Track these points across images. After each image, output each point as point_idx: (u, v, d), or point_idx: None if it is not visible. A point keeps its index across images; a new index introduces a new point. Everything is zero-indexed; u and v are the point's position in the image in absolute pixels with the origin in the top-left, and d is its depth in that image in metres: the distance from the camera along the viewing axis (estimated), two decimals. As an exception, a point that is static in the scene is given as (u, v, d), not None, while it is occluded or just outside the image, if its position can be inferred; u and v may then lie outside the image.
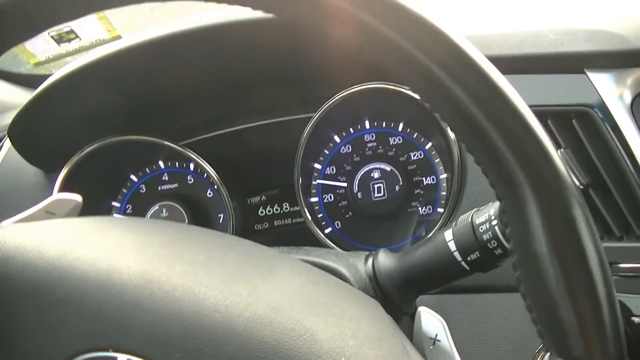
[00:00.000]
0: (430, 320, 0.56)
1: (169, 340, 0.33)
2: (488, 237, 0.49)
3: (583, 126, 0.73)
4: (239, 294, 0.36)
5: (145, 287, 0.35)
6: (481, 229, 0.50)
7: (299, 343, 0.34)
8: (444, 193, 0.90)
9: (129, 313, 0.34)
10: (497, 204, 0.50)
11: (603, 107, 0.71)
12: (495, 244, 0.49)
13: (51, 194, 0.86)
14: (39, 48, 1.22)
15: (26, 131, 0.86)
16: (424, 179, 0.92)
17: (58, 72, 0.81)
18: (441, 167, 0.91)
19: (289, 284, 0.40)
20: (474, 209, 0.53)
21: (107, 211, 0.96)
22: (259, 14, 0.39)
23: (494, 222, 0.49)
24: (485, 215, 0.50)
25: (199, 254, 0.39)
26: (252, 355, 0.33)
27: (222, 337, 0.33)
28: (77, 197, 0.52)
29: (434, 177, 0.91)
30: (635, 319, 0.71)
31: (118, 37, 1.21)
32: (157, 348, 0.33)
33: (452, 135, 0.82)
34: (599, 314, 0.33)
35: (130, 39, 0.80)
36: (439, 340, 0.55)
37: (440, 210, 0.89)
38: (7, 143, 0.95)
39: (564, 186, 0.33)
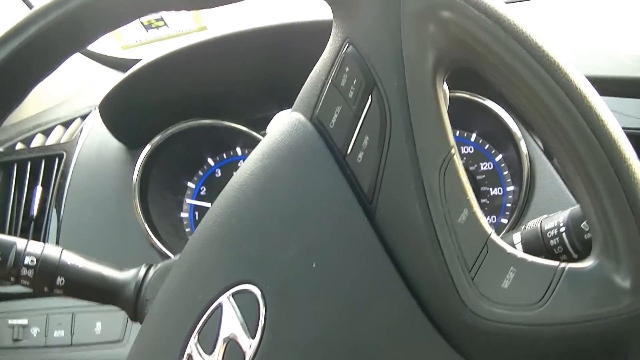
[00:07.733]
0: None
1: None
2: (555, 243, 0.51)
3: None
4: None
5: None
6: (549, 234, 0.52)
7: None
8: (509, 205, 0.91)
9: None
10: (566, 212, 0.52)
11: None
12: (562, 250, 0.51)
13: (133, 169, 0.91)
14: (128, 33, 1.28)
15: (116, 108, 0.91)
16: (491, 189, 0.92)
17: (149, 57, 0.86)
18: (509, 180, 0.91)
19: None
20: (544, 215, 0.54)
21: (182, 191, 0.99)
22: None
23: (562, 229, 0.51)
24: (555, 222, 0.52)
25: None
26: None
27: None
28: None
29: (501, 188, 0.92)
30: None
31: (204, 28, 1.25)
32: None
33: (524, 149, 0.83)
34: None
35: (213, 31, 0.85)
36: None
37: (504, 220, 0.90)
38: (92, 118, 1.00)
39: None
